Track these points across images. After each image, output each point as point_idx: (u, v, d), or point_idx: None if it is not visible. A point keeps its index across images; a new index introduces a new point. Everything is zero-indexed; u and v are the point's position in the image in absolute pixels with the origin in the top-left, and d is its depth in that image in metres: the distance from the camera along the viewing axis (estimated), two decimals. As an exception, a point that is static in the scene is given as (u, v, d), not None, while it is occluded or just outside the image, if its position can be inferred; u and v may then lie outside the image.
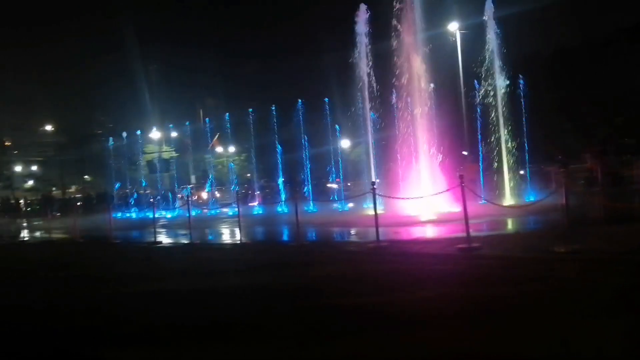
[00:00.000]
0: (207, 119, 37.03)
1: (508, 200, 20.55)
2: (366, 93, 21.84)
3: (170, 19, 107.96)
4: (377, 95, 21.60)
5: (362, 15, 21.84)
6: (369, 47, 21.81)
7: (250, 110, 31.16)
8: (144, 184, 44.12)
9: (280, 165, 30.10)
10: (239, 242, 16.15)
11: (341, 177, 32.15)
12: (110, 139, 41.37)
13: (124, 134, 40.93)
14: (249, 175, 40.78)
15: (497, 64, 21.58)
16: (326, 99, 28.08)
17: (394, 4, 20.04)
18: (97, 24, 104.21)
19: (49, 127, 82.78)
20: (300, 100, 28.74)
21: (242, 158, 57.18)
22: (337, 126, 28.93)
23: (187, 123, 38.88)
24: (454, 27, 25.76)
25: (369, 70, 21.92)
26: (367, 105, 21.94)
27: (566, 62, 41.97)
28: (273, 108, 29.99)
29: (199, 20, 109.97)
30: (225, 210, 28.24)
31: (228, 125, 34.26)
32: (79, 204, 42.24)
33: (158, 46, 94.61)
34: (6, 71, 78.65)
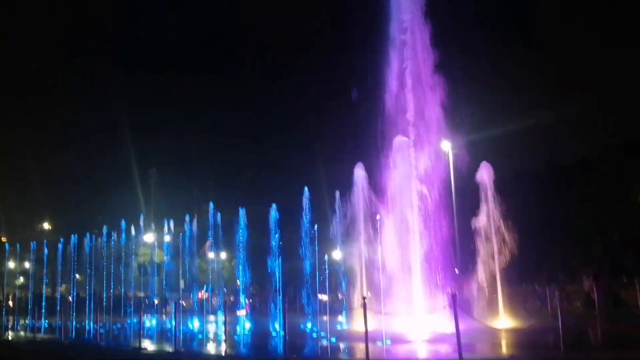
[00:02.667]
0: (195, 222, 36.60)
1: (502, 321, 19.98)
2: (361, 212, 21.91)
3: (169, 126, 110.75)
4: (370, 209, 21.67)
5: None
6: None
7: (241, 210, 30.20)
8: (133, 288, 43.40)
9: (276, 274, 29.46)
10: (223, 354, 15.54)
11: (344, 288, 31.42)
12: (97, 238, 41.00)
13: (115, 235, 40.61)
14: (238, 281, 40.25)
15: (488, 181, 21.80)
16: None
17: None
18: (100, 126, 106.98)
19: (46, 225, 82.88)
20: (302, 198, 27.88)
21: (232, 264, 56.58)
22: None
23: (173, 226, 38.34)
24: (446, 146, 26.25)
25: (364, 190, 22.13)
26: (361, 219, 21.93)
27: (559, 178, 42.49)
28: (275, 207, 28.77)
29: (197, 128, 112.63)
30: (212, 318, 27.47)
31: (220, 230, 33.80)
32: (69, 303, 41.29)
33: (158, 150, 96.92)
34: (9, 169, 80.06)
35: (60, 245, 42.00)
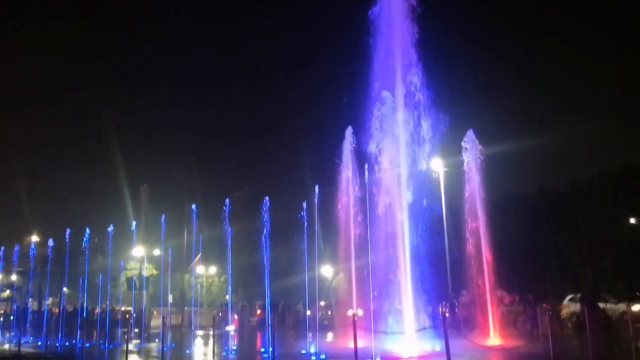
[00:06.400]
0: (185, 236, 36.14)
1: (493, 340, 19.80)
2: (351, 223, 21.58)
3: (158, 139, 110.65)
4: (360, 223, 21.30)
5: (348, 138, 21.97)
6: (354, 179, 21.78)
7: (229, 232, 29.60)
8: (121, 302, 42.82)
9: (266, 289, 29.06)
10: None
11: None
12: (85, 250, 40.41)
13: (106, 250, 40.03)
14: (227, 297, 39.93)
15: (480, 203, 21.59)
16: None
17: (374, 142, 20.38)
18: (92, 142, 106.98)
19: (34, 238, 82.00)
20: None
21: (222, 280, 56.35)
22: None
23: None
24: (437, 164, 25.83)
25: (352, 202, 21.80)
26: (351, 232, 21.59)
27: (551, 202, 42.60)
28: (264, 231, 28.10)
29: (186, 138, 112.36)
30: (200, 332, 27.07)
31: (209, 245, 33.44)
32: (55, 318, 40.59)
33: (149, 164, 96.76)
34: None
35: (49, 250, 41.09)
